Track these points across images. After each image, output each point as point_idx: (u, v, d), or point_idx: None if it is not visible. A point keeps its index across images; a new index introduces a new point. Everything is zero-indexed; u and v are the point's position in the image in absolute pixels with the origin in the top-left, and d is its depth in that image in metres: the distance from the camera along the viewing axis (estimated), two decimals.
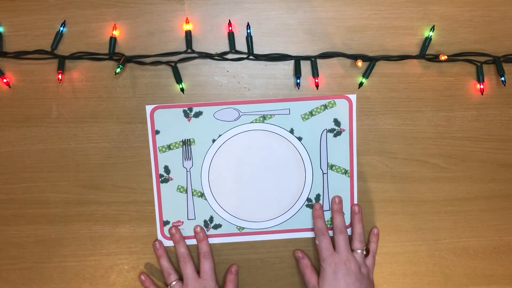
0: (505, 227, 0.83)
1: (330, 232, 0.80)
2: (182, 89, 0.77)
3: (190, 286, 0.75)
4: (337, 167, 0.81)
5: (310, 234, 0.82)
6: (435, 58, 0.77)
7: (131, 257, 0.81)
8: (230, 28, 0.75)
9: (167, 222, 0.81)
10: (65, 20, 0.74)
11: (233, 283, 0.79)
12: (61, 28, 0.74)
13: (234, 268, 0.81)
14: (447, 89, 0.79)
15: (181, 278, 0.78)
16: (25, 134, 0.77)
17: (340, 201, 0.80)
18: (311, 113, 0.79)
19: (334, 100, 0.79)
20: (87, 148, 0.78)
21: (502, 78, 0.78)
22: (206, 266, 0.77)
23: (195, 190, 0.80)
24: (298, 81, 0.77)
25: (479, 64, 0.78)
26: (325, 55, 0.77)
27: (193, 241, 0.81)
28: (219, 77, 0.77)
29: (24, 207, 0.79)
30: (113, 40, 0.75)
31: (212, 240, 0.82)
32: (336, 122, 0.79)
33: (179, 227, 0.81)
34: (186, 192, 0.80)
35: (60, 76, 0.75)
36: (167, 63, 0.76)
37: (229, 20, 0.75)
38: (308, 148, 0.80)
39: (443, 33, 0.77)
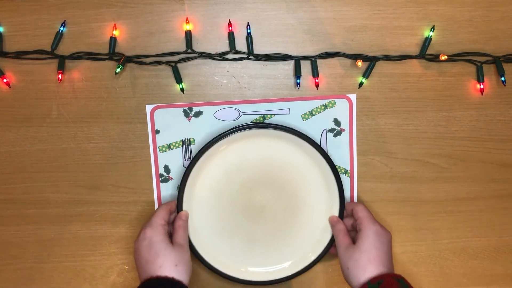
0: (505, 227, 0.83)
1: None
2: (182, 89, 0.77)
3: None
4: (337, 167, 0.80)
5: None
6: (435, 58, 0.77)
7: (131, 257, 0.81)
8: (230, 28, 0.75)
9: None
10: (65, 20, 0.74)
11: (183, 229, 0.72)
12: (61, 28, 0.74)
13: (184, 214, 0.74)
14: (447, 89, 0.79)
15: None
16: (25, 134, 0.77)
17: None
18: (311, 113, 0.79)
19: (334, 100, 0.79)
20: (87, 148, 0.78)
21: (502, 78, 0.78)
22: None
23: None
24: (298, 81, 0.77)
25: (479, 64, 0.78)
26: (325, 55, 0.77)
27: None
28: (219, 77, 0.77)
29: (24, 207, 0.79)
30: (113, 40, 0.75)
31: None
32: (336, 122, 0.79)
33: None
34: None
35: (60, 76, 0.75)
36: (167, 63, 0.76)
37: (229, 20, 0.75)
38: None
39: (443, 33, 0.77)
